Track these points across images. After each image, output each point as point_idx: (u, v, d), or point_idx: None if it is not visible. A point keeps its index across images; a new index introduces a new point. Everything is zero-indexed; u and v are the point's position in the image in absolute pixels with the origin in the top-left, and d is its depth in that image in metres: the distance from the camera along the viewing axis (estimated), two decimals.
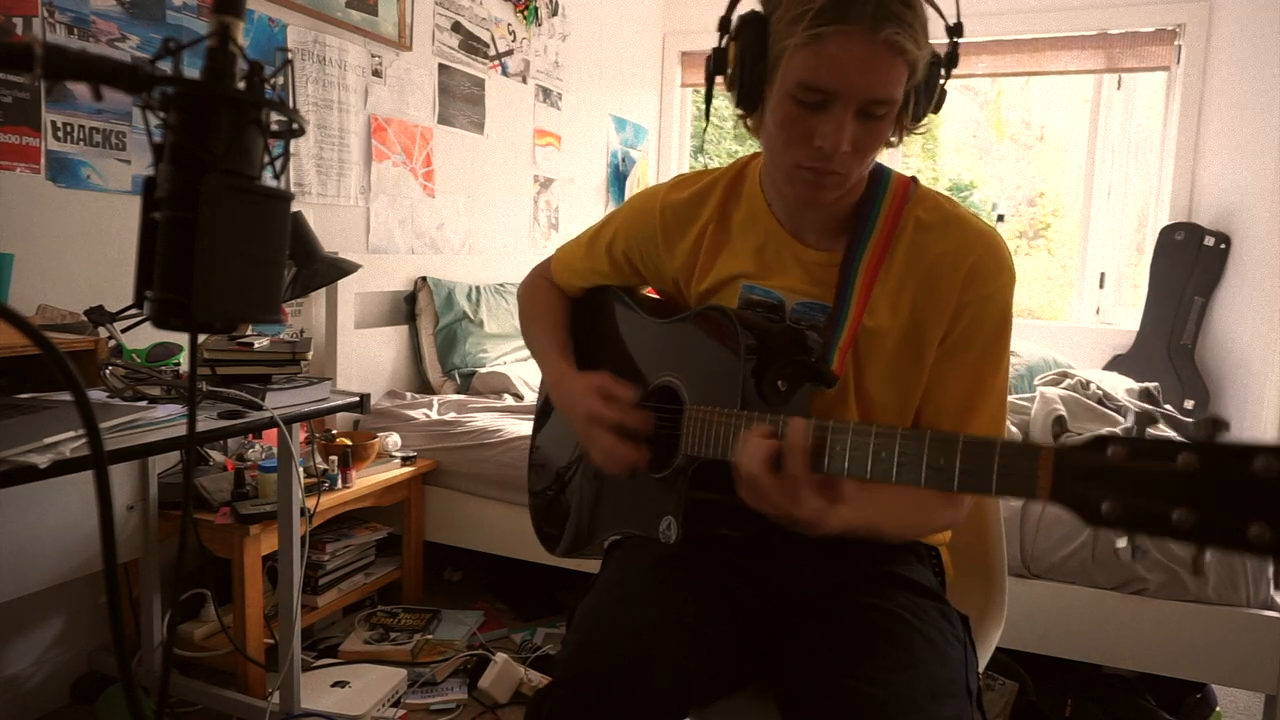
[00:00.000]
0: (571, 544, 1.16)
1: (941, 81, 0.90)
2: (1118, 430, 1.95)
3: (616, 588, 1.01)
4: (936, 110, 0.92)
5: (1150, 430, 0.55)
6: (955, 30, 0.91)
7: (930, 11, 0.86)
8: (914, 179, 1.00)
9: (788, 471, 0.77)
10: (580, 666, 0.89)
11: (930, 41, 0.86)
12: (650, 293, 1.21)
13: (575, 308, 1.24)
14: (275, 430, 1.60)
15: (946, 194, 1.01)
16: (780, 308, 1.01)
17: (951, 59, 0.90)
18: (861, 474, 0.74)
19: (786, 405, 0.90)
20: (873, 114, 0.85)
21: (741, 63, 0.89)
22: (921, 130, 0.94)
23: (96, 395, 1.45)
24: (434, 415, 2.54)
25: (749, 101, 0.91)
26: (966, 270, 0.93)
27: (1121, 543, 0.58)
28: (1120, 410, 2.15)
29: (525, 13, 3.42)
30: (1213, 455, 0.54)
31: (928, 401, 0.99)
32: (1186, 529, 0.54)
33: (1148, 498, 0.56)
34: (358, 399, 1.70)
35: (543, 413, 1.28)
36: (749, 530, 0.94)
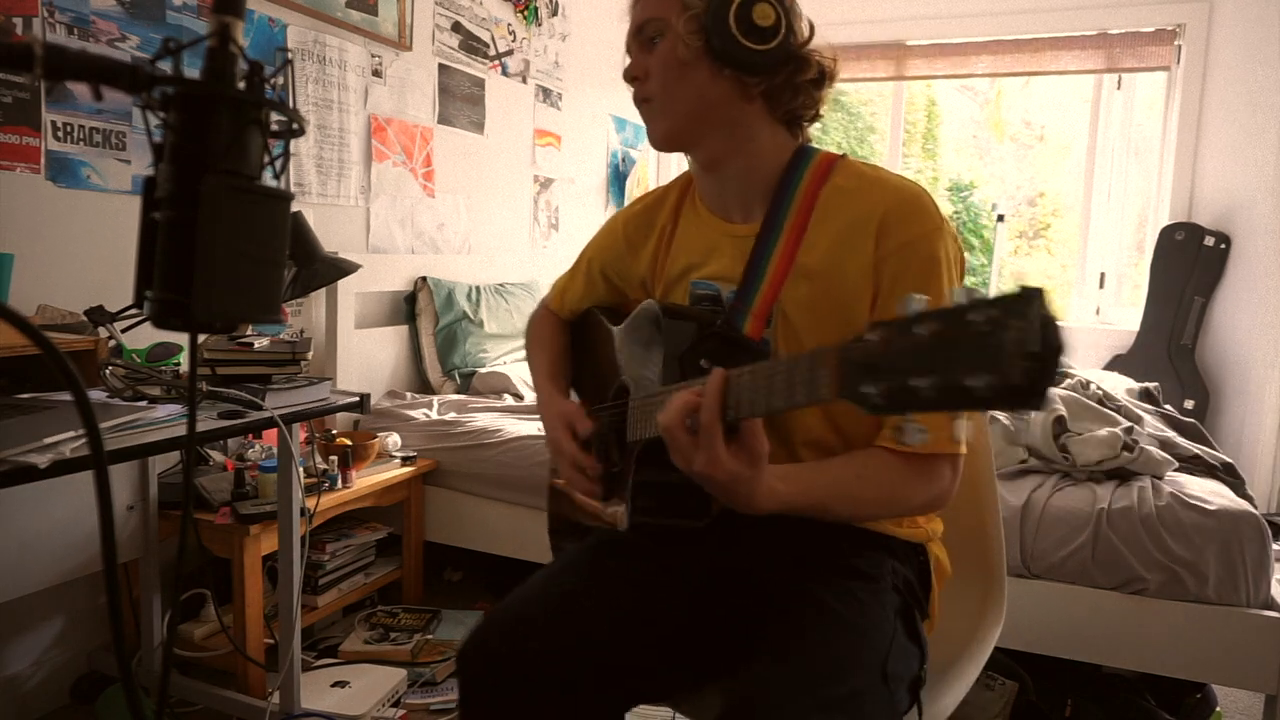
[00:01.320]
0: (566, 534, 1.22)
1: (738, 4, 0.93)
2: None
3: (551, 566, 1.09)
4: (750, 27, 0.93)
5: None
6: None
7: None
8: (842, 155, 1.02)
9: (700, 422, 0.77)
10: (499, 622, 0.96)
11: None
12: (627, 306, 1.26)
13: (573, 329, 1.33)
14: (275, 430, 1.60)
15: (873, 164, 1.02)
16: (719, 299, 1.04)
17: None
18: (752, 410, 0.74)
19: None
20: (650, 35, 0.99)
21: None
22: (753, 70, 0.95)
23: (96, 395, 1.45)
24: (434, 415, 2.54)
25: None
26: (878, 223, 0.93)
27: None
28: (1120, 410, 2.15)
29: (525, 13, 3.42)
30: (940, 319, 0.53)
31: None
32: (930, 398, 0.53)
33: (901, 376, 0.55)
34: (358, 399, 1.70)
35: None
36: (703, 518, 0.94)
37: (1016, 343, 0.47)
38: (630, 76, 1.02)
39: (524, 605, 0.98)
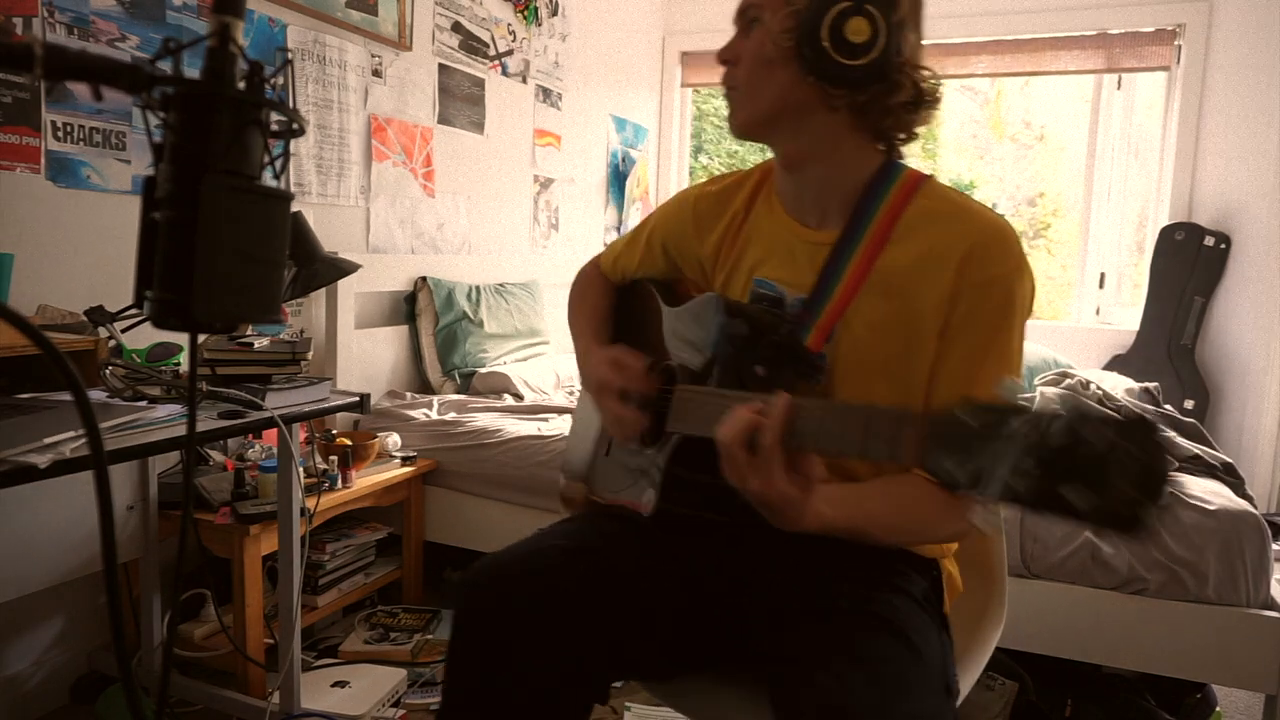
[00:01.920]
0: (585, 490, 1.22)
1: (843, 8, 0.88)
2: None
3: (553, 533, 1.07)
4: (847, 43, 0.88)
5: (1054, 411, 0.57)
6: None
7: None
8: (930, 175, 1.00)
9: (761, 444, 0.76)
10: (490, 567, 0.99)
11: None
12: (684, 284, 1.25)
13: (621, 295, 1.31)
14: (275, 430, 1.60)
15: (961, 191, 1.01)
16: (781, 302, 1.02)
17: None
18: (816, 446, 0.75)
19: (763, 389, 0.90)
20: (750, 19, 0.95)
21: None
22: (841, 88, 0.92)
23: (96, 395, 1.45)
24: (434, 415, 2.54)
25: None
26: (963, 254, 0.91)
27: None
28: (1120, 410, 2.15)
29: (525, 13, 3.42)
30: (1047, 424, 0.54)
31: (929, 400, 0.97)
32: (1019, 493, 0.54)
33: (993, 464, 0.56)
34: (358, 399, 1.70)
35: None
36: (732, 516, 0.94)
37: (1127, 471, 0.49)
38: (722, 59, 0.98)
39: (526, 555, 1.00)
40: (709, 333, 0.98)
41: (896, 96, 0.93)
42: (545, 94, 3.62)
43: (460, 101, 3.09)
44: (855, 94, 0.92)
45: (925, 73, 0.95)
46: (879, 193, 0.97)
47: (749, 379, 0.91)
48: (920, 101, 0.95)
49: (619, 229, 4.28)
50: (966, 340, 0.93)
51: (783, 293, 1.02)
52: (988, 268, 0.92)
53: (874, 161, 0.98)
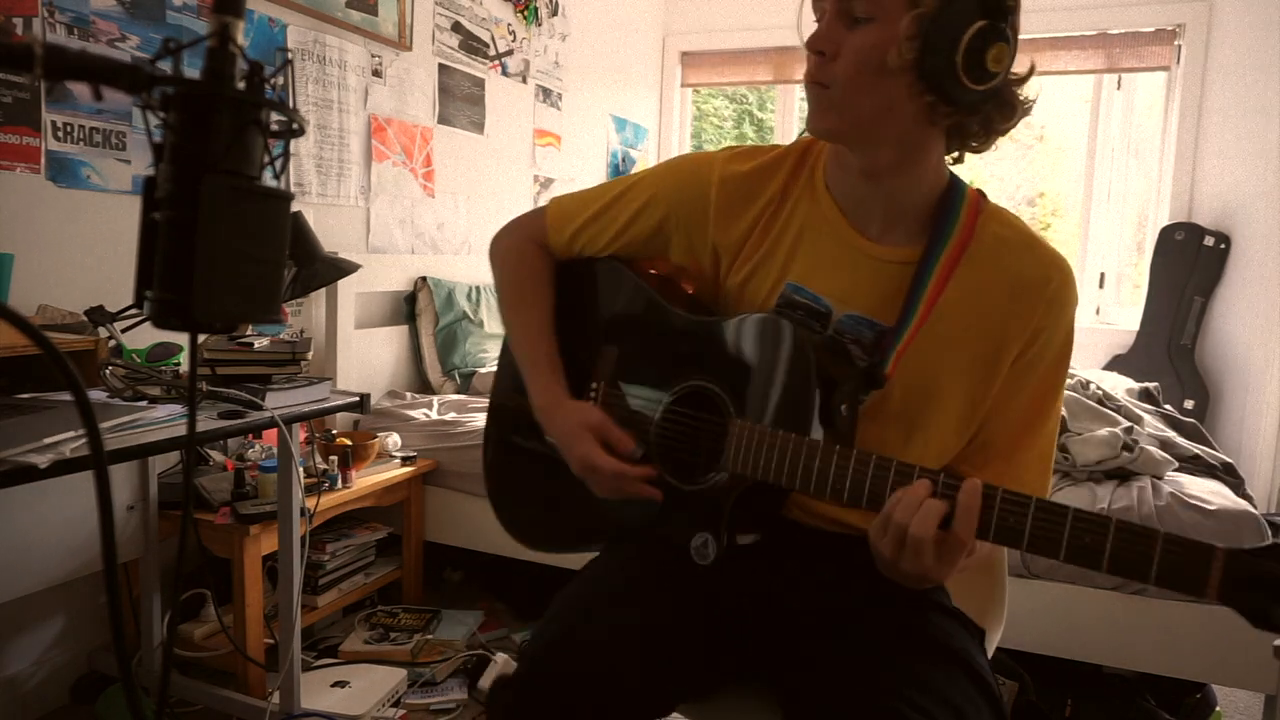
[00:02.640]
0: (563, 541, 1.14)
1: (979, 29, 0.79)
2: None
3: (598, 583, 0.98)
4: (980, 69, 0.80)
5: None
6: None
7: None
8: (982, 193, 0.97)
9: (956, 535, 0.75)
10: (545, 664, 0.88)
11: None
12: (649, 267, 1.11)
13: (561, 275, 1.12)
14: (275, 430, 1.60)
15: (1011, 213, 0.98)
16: (826, 317, 0.95)
17: (995, 7, 0.80)
18: (1019, 544, 0.73)
19: (843, 427, 0.88)
20: (856, 16, 0.83)
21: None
22: (990, 127, 0.87)
23: (96, 395, 1.45)
24: (434, 415, 2.54)
25: None
26: (1050, 295, 0.91)
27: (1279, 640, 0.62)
28: (1120, 410, 2.15)
29: (525, 13, 3.42)
30: None
31: (982, 426, 0.95)
32: None
33: None
34: (358, 399, 1.70)
35: (509, 409, 1.21)
36: (777, 549, 0.93)
37: None
38: (816, 49, 0.85)
39: (577, 651, 0.88)
40: (780, 365, 0.89)
41: (1008, 119, 0.89)
42: (545, 94, 3.62)
43: (460, 101, 3.09)
44: (969, 115, 0.86)
45: (1023, 87, 0.89)
46: (952, 212, 0.92)
47: (832, 418, 0.86)
48: (1016, 119, 0.90)
49: None
50: (1038, 374, 0.94)
51: (829, 307, 0.95)
52: (1066, 307, 0.93)
53: (944, 175, 0.94)
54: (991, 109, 0.87)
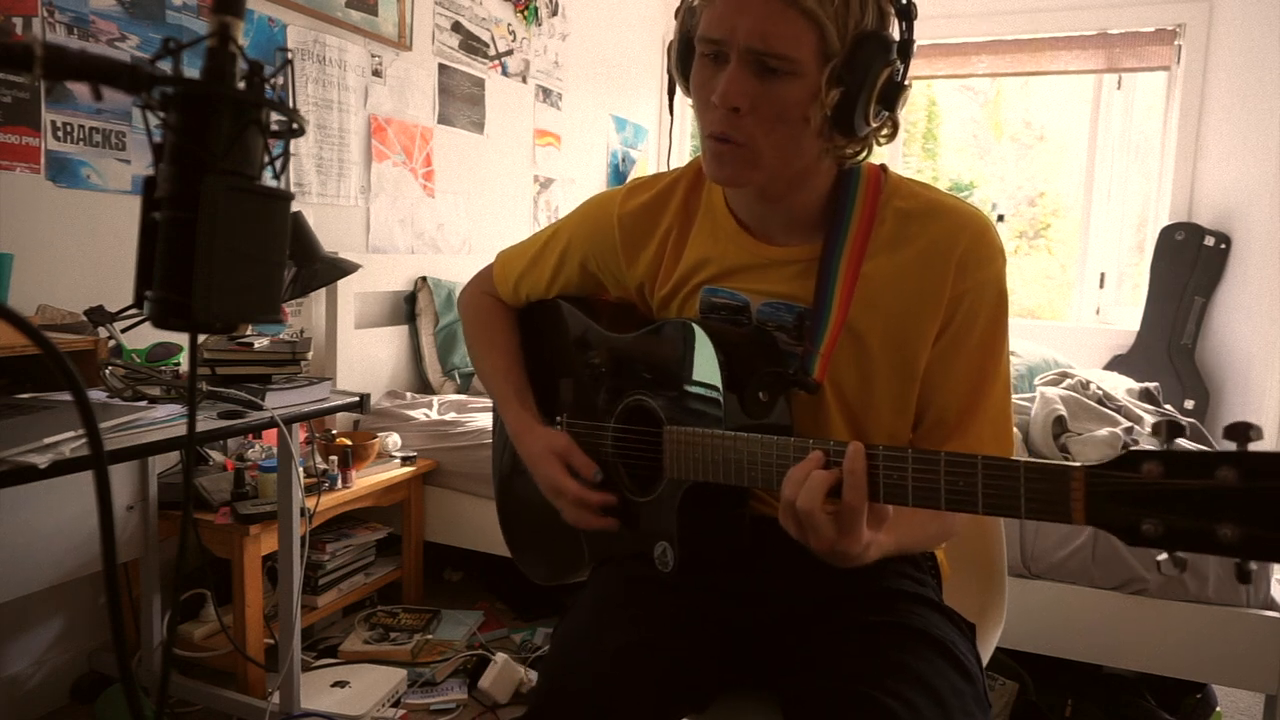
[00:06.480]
0: (560, 570, 1.15)
1: (890, 72, 0.81)
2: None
3: (591, 612, 0.99)
4: (890, 107, 0.83)
5: (1178, 440, 0.56)
6: (904, 11, 0.83)
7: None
8: (883, 166, 0.96)
9: (848, 502, 0.74)
10: (553, 698, 0.88)
11: (879, 27, 0.82)
12: (605, 298, 1.15)
13: (523, 320, 1.19)
14: (275, 430, 1.60)
15: (921, 180, 0.97)
16: (745, 309, 0.97)
17: (903, 47, 0.82)
18: (905, 500, 0.72)
19: (769, 416, 0.88)
20: (770, 69, 0.80)
21: (678, 39, 0.92)
22: (882, 136, 0.88)
23: (96, 395, 1.45)
24: (434, 415, 2.54)
25: (685, 78, 0.91)
26: (958, 259, 0.89)
27: (1162, 555, 0.59)
28: (1121, 410, 2.15)
29: (525, 13, 3.42)
30: (1251, 467, 0.55)
31: (929, 404, 0.95)
32: (1232, 544, 0.55)
33: (1189, 515, 0.57)
34: (358, 399, 1.70)
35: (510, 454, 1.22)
36: (747, 550, 0.93)
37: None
38: (731, 106, 0.82)
39: (582, 673, 0.89)
40: (689, 359, 0.91)
41: (890, 135, 0.90)
42: (545, 94, 3.61)
43: (460, 101, 3.09)
44: (861, 143, 0.88)
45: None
46: (849, 198, 0.92)
47: (752, 406, 0.87)
48: (897, 133, 0.91)
49: None
50: (971, 340, 0.92)
51: (746, 299, 0.97)
52: (984, 266, 0.90)
53: (832, 170, 0.94)
54: (879, 129, 0.88)
